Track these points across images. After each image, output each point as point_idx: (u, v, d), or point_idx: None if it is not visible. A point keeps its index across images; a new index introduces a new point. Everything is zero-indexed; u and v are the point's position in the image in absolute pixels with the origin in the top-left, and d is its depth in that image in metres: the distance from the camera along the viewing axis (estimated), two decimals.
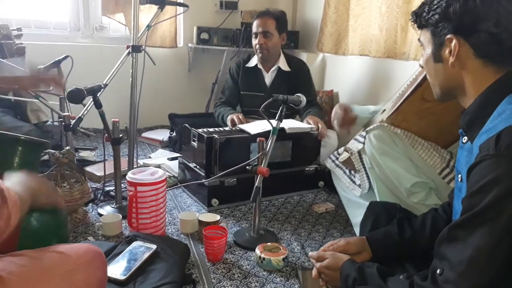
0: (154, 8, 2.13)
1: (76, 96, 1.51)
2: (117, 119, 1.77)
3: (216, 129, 2.10)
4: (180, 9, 2.92)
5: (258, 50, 2.52)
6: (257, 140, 1.60)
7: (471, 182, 0.84)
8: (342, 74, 2.94)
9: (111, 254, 1.38)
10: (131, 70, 2.04)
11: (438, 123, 1.47)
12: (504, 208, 0.78)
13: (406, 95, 1.45)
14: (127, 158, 2.17)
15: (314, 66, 3.06)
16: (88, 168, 2.25)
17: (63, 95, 1.61)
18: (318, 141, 2.22)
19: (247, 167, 1.56)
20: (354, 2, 2.71)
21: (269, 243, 1.51)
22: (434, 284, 0.84)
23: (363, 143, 1.53)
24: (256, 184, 1.48)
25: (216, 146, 1.90)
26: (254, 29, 2.51)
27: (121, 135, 1.78)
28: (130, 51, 2.01)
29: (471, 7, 0.88)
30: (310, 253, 1.29)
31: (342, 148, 1.74)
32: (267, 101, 1.57)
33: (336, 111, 1.79)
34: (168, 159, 2.43)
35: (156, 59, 2.15)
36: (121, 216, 1.69)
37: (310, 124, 2.25)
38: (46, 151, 1.61)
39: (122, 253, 1.38)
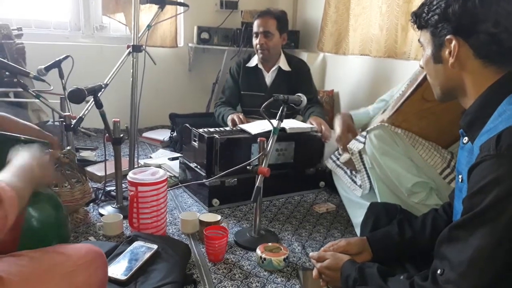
0: (154, 7, 2.13)
1: (77, 96, 1.51)
2: (118, 119, 1.77)
3: (217, 129, 2.10)
4: (181, 9, 2.93)
5: (259, 50, 2.51)
6: (258, 140, 1.60)
7: (472, 182, 0.84)
8: (342, 73, 2.94)
9: (112, 254, 1.38)
10: (131, 70, 2.05)
11: (438, 123, 1.47)
12: (504, 208, 0.78)
13: (407, 95, 1.45)
14: (128, 158, 2.18)
15: (314, 66, 3.06)
16: (89, 168, 2.25)
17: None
18: (322, 143, 2.20)
19: (247, 167, 1.56)
20: (355, 2, 2.71)
21: (270, 243, 1.51)
22: (435, 284, 0.84)
23: (364, 143, 1.53)
24: (257, 184, 1.48)
25: (216, 146, 1.90)
26: (255, 28, 2.51)
27: (122, 135, 1.78)
28: (131, 51, 2.02)
29: (470, 8, 0.88)
30: (310, 254, 1.29)
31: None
32: (267, 101, 1.57)
33: (340, 136, 1.71)
34: (169, 159, 2.44)
35: (157, 59, 2.16)
36: (122, 216, 1.69)
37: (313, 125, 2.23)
38: (47, 151, 1.61)
39: (123, 253, 1.38)
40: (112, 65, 2.04)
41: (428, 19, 0.96)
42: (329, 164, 1.86)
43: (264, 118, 1.59)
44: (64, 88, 2.14)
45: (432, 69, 1.00)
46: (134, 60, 2.04)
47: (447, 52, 0.94)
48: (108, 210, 1.82)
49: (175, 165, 2.28)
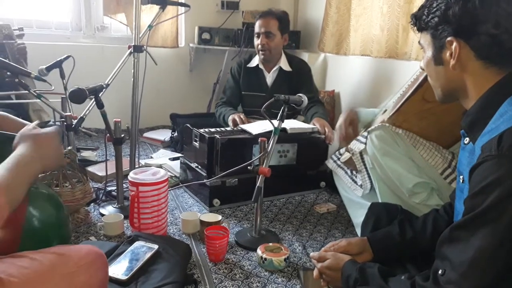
0: (155, 8, 2.13)
1: (78, 96, 1.51)
2: (119, 119, 1.77)
3: (218, 129, 2.10)
4: (182, 9, 2.93)
5: (260, 51, 2.52)
6: (259, 140, 1.60)
7: (473, 182, 0.84)
8: (343, 74, 2.94)
9: (113, 254, 1.38)
10: (132, 70, 2.05)
11: (439, 124, 1.47)
12: (506, 208, 0.78)
13: (407, 95, 1.45)
14: (128, 158, 2.18)
15: (315, 66, 3.06)
16: (90, 168, 2.25)
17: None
18: (325, 145, 2.19)
19: (248, 167, 1.56)
20: (356, 2, 2.71)
21: (270, 244, 1.51)
22: (436, 284, 0.84)
23: (365, 144, 1.52)
24: (257, 184, 1.48)
25: (217, 146, 1.90)
26: (256, 29, 2.51)
27: (123, 135, 1.78)
28: (132, 51, 2.02)
29: (471, 9, 0.88)
30: (311, 254, 1.29)
31: (344, 148, 1.74)
32: (268, 101, 1.57)
33: (340, 125, 1.72)
34: (169, 159, 2.44)
35: (158, 59, 2.16)
36: (123, 216, 1.69)
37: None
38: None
39: (124, 253, 1.38)
40: (113, 65, 2.04)
41: (428, 21, 0.96)
42: (330, 164, 1.86)
43: (265, 118, 1.59)
44: (65, 88, 2.14)
45: (433, 70, 1.00)
46: (135, 60, 2.04)
47: (448, 54, 0.93)
48: (109, 210, 1.82)
49: (176, 165, 2.28)
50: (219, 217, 1.66)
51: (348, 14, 2.78)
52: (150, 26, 2.10)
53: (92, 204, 1.88)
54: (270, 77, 2.61)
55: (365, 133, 1.55)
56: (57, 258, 0.91)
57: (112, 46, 3.13)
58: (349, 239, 1.27)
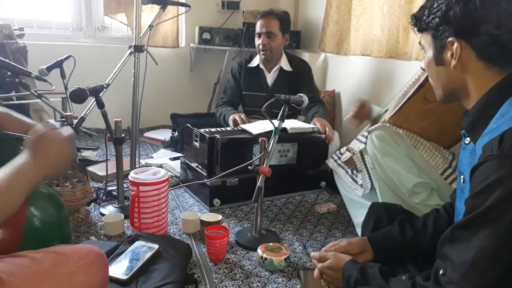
0: (156, 8, 2.13)
1: (79, 96, 1.51)
2: (119, 119, 1.77)
3: (218, 129, 2.10)
4: (182, 9, 2.93)
5: (261, 51, 2.51)
6: (259, 140, 1.60)
7: (474, 182, 0.84)
8: (344, 74, 2.94)
9: (113, 254, 1.38)
10: (133, 70, 2.05)
11: (440, 124, 1.47)
12: (507, 209, 0.78)
13: (408, 95, 1.45)
14: (129, 158, 2.18)
15: (316, 66, 3.06)
16: (90, 168, 2.26)
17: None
18: (326, 145, 2.19)
19: (249, 167, 1.56)
20: (356, 2, 2.71)
21: (271, 243, 1.51)
22: (437, 284, 0.84)
23: (365, 143, 1.53)
24: (258, 184, 1.48)
25: (218, 146, 1.90)
26: (257, 29, 2.51)
27: (123, 135, 1.78)
28: (132, 51, 2.02)
29: (471, 10, 0.87)
30: (312, 254, 1.29)
31: (344, 148, 1.74)
32: (269, 101, 1.57)
33: (354, 104, 1.82)
34: (170, 159, 2.44)
35: (158, 59, 2.16)
36: (123, 216, 1.69)
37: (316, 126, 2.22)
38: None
39: (124, 252, 1.38)
40: (113, 65, 2.04)
41: (429, 22, 0.96)
42: (331, 163, 1.86)
43: (265, 118, 1.59)
44: (66, 88, 2.14)
45: (434, 71, 1.00)
46: (136, 60, 2.04)
47: (449, 55, 0.93)
48: (109, 209, 1.82)
49: (176, 165, 2.28)
50: (220, 217, 1.66)
51: (349, 14, 2.78)
52: (150, 26, 2.10)
53: (92, 203, 1.88)
54: (270, 77, 2.61)
55: (365, 133, 1.55)
56: (57, 258, 0.91)
57: (113, 46, 3.13)
58: (350, 239, 1.27)
